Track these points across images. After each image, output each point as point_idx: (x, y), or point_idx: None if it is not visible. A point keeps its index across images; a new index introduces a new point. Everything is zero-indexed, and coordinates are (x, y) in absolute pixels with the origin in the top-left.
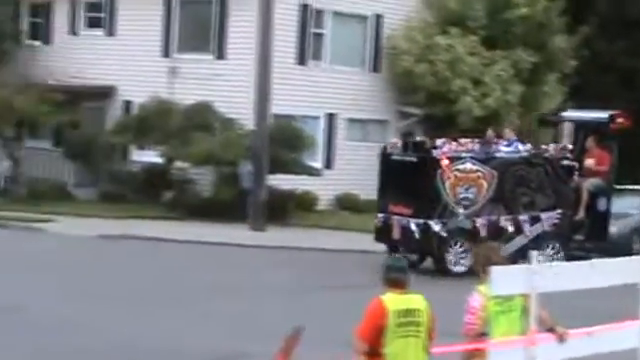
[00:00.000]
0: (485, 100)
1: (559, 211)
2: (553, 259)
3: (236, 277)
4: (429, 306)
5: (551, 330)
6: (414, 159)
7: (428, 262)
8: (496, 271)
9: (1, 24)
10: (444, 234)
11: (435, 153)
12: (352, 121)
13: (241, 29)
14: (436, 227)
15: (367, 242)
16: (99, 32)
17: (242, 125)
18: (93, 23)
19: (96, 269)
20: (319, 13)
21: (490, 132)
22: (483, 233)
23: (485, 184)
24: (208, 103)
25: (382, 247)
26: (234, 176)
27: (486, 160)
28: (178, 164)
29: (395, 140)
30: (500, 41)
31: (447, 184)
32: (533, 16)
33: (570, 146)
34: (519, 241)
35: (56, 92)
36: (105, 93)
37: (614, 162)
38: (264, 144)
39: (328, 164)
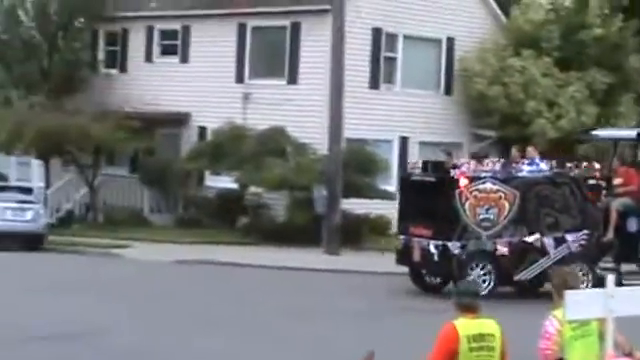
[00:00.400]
0: (559, 122)
1: (586, 232)
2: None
3: (311, 301)
4: (502, 331)
5: (629, 355)
6: (433, 179)
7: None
8: (571, 295)
9: (78, 52)
10: (464, 256)
11: (453, 173)
12: (425, 144)
13: (313, 54)
14: (455, 249)
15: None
16: (174, 59)
17: (315, 150)
18: (168, 50)
19: (173, 294)
20: (391, 37)
21: (515, 151)
22: (504, 255)
23: (507, 204)
24: (281, 128)
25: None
26: (308, 201)
27: (507, 180)
28: (252, 189)
29: (415, 160)
30: (574, 62)
31: (466, 205)
32: (607, 37)
33: (597, 165)
34: (544, 263)
35: (132, 119)
36: (180, 119)
37: (632, 181)
38: (337, 168)
39: None
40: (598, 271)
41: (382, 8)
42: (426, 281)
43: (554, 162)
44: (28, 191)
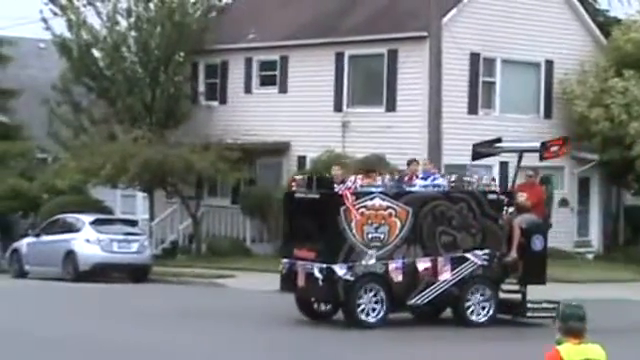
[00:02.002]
0: None
1: (487, 251)
2: (483, 306)
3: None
4: (607, 356)
5: None
6: (316, 196)
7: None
8: None
9: (179, 86)
10: (351, 280)
11: (338, 188)
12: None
13: (411, 80)
14: (342, 272)
15: (544, 291)
16: (273, 90)
17: None
18: (266, 81)
19: (275, 323)
20: (489, 61)
21: (415, 165)
22: (398, 278)
23: (398, 222)
24: (380, 155)
25: (563, 295)
26: None
27: (399, 195)
28: None
29: (299, 176)
30: None
31: (353, 223)
32: None
33: (496, 178)
34: (441, 286)
35: (232, 150)
36: (279, 149)
37: (550, 195)
38: None
39: None
40: (501, 294)
41: (479, 33)
42: (314, 308)
43: (451, 176)
44: (133, 223)
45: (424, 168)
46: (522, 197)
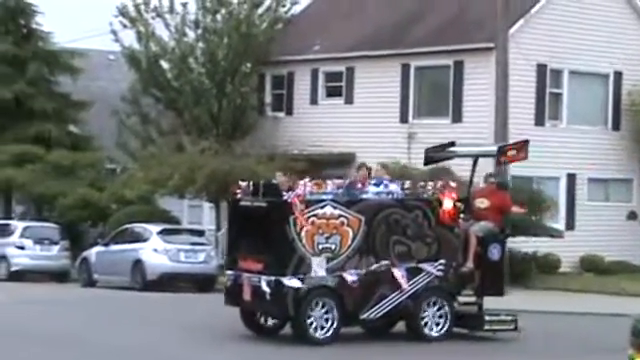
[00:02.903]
0: None
1: (442, 261)
2: (439, 318)
3: (480, 341)
4: None
5: None
6: (263, 204)
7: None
8: None
9: (246, 97)
10: (301, 293)
11: (287, 196)
12: (593, 181)
13: (477, 92)
14: (290, 285)
15: (615, 305)
16: (338, 101)
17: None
18: (332, 92)
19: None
20: (556, 73)
21: (362, 171)
22: (349, 290)
23: (350, 232)
24: (447, 167)
25: (633, 309)
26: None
27: (351, 203)
28: None
29: (244, 183)
30: None
31: (303, 233)
32: None
33: (453, 184)
34: (395, 298)
35: (298, 161)
36: (345, 160)
37: (508, 202)
38: None
39: (570, 225)
40: (457, 306)
41: (547, 44)
42: (260, 323)
43: (405, 182)
44: (200, 233)
45: (376, 174)
46: (482, 204)
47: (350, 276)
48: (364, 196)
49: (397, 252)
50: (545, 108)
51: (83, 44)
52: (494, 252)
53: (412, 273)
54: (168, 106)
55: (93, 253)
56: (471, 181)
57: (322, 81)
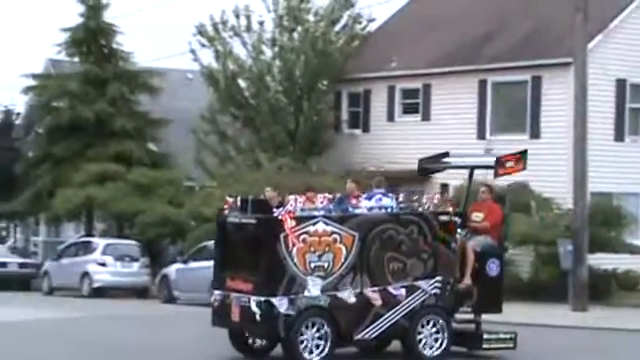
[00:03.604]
0: None
1: (439, 278)
2: (436, 337)
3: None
4: None
5: None
6: (252, 221)
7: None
8: None
9: (322, 114)
10: (292, 314)
11: (277, 213)
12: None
13: (555, 107)
14: (281, 306)
15: None
16: (415, 118)
17: (559, 204)
18: (409, 109)
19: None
20: (636, 88)
21: (350, 184)
22: (343, 310)
23: (344, 249)
24: (524, 183)
25: None
26: (553, 256)
27: (344, 219)
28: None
29: (231, 198)
30: None
31: (294, 251)
32: None
33: (450, 197)
34: (390, 317)
35: (374, 178)
36: (422, 177)
37: (505, 216)
38: (583, 223)
39: None
40: (455, 325)
41: (626, 59)
42: (249, 344)
43: (400, 196)
44: None
45: (376, 185)
46: (478, 217)
47: (343, 295)
48: (357, 211)
49: (392, 269)
50: (625, 123)
51: (162, 63)
52: (492, 267)
53: (407, 291)
54: (245, 124)
55: (173, 270)
56: (467, 194)
57: (399, 98)
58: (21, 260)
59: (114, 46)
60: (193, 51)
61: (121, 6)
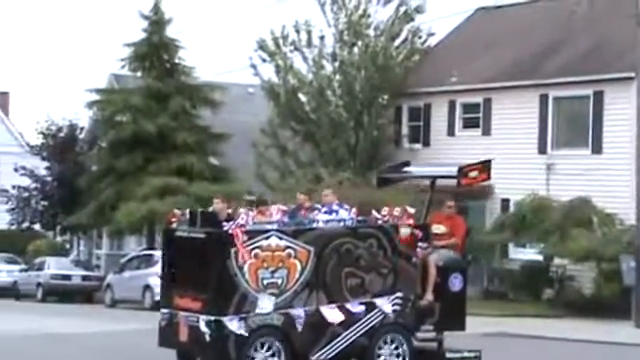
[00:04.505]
0: None
1: (399, 294)
2: (396, 357)
3: None
4: None
5: None
6: (201, 235)
7: None
8: None
9: (382, 128)
10: (244, 334)
11: (228, 226)
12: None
13: (618, 122)
14: (232, 325)
15: None
16: (476, 132)
17: (622, 220)
18: (469, 124)
19: None
20: None
21: (301, 195)
22: (299, 329)
23: (298, 265)
24: (586, 198)
25: None
26: (616, 272)
27: (298, 233)
28: (557, 261)
29: (178, 211)
30: None
31: (246, 267)
32: None
33: (411, 210)
34: (348, 336)
35: (438, 192)
36: (483, 192)
37: (468, 228)
38: None
39: None
40: (416, 343)
41: None
42: None
43: (356, 209)
44: None
45: (324, 200)
46: (439, 230)
47: (298, 313)
48: (313, 225)
49: (350, 285)
50: None
51: (223, 78)
52: (455, 282)
53: (366, 308)
54: (306, 138)
55: (111, 278)
56: (429, 205)
57: (459, 112)
58: (84, 273)
59: (176, 61)
60: (254, 66)
61: (183, 21)
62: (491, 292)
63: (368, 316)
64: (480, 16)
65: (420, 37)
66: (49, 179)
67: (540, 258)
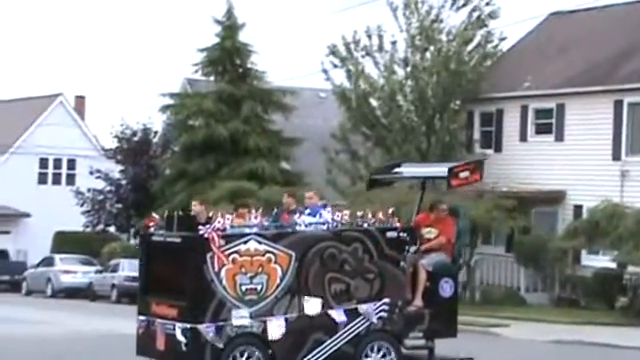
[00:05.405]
0: None
1: (386, 300)
2: None
3: None
4: None
5: None
6: (177, 240)
7: None
8: None
9: (454, 133)
10: (221, 343)
11: (204, 230)
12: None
13: None
14: (209, 334)
15: None
16: (548, 138)
17: None
18: (542, 129)
19: None
20: None
21: (287, 198)
22: (279, 337)
23: (279, 270)
24: None
25: None
26: None
27: (279, 237)
28: (631, 268)
29: (157, 215)
30: None
31: (223, 272)
32: None
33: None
34: (332, 344)
35: (507, 198)
36: (555, 198)
37: (459, 231)
38: None
39: None
40: (405, 351)
41: None
42: None
43: (342, 211)
44: None
45: (308, 202)
46: (430, 233)
47: (278, 321)
48: (295, 228)
49: (334, 291)
50: None
51: (295, 83)
52: (446, 288)
53: (351, 315)
54: (377, 143)
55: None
56: (419, 207)
57: (532, 118)
58: None
59: (249, 65)
60: (325, 71)
61: (256, 26)
62: (562, 299)
63: (353, 323)
64: (553, 21)
65: (492, 41)
66: (123, 182)
67: (613, 265)
